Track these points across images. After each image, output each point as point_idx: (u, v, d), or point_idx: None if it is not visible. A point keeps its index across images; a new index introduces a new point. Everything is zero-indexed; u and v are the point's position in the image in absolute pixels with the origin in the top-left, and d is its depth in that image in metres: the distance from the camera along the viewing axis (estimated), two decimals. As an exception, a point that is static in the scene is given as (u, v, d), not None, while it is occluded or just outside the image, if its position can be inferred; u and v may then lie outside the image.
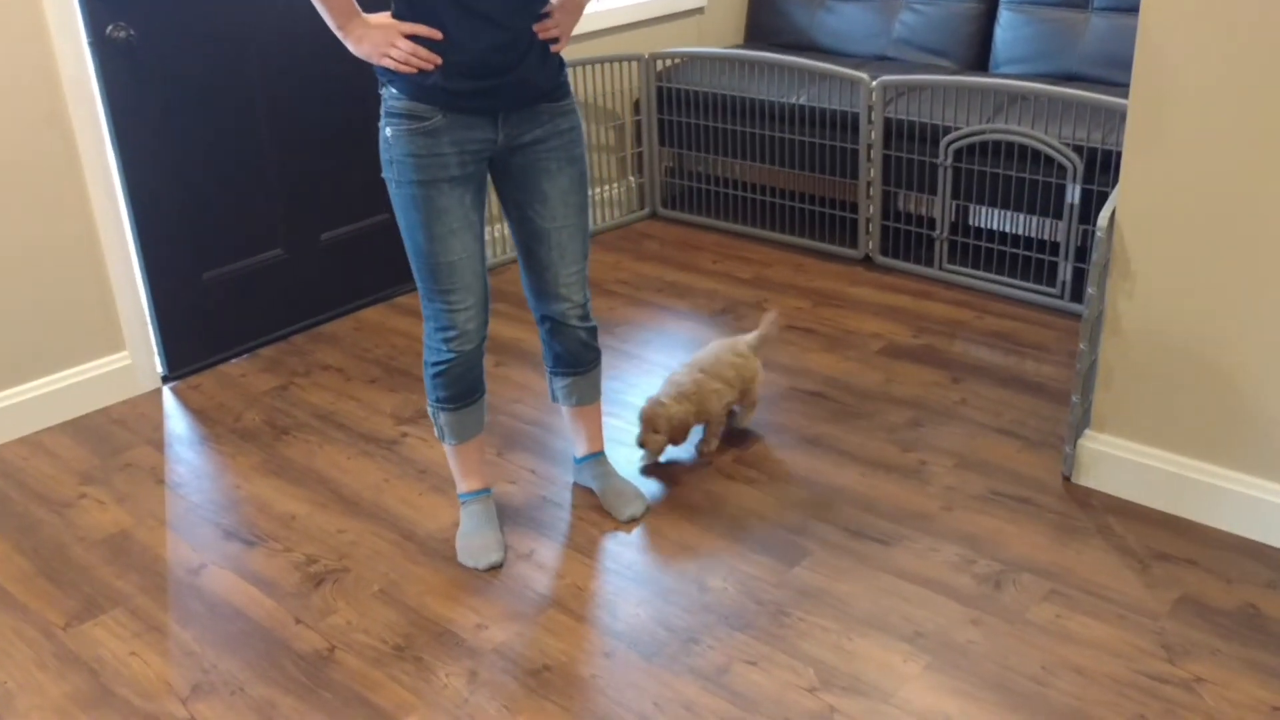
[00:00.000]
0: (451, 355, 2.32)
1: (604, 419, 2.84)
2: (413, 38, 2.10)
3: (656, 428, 2.72)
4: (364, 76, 3.60)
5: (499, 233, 4.16)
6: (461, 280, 2.26)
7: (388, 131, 2.19)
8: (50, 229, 3.03)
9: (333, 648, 2.24)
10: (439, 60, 2.10)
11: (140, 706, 2.11)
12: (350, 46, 2.16)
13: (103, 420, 3.16)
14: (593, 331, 2.50)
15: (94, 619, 2.35)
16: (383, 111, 2.20)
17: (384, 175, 2.23)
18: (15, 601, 2.42)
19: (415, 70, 2.11)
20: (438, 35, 2.10)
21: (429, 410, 2.46)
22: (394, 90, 2.17)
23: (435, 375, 2.37)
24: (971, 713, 2.01)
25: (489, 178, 2.32)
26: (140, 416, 3.17)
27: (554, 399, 2.63)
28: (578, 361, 2.52)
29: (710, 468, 2.79)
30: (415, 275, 2.29)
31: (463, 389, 2.39)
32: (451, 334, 2.30)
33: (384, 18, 2.13)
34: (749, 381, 2.87)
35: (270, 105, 3.41)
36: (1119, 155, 3.27)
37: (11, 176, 2.93)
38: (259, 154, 3.43)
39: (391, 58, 2.10)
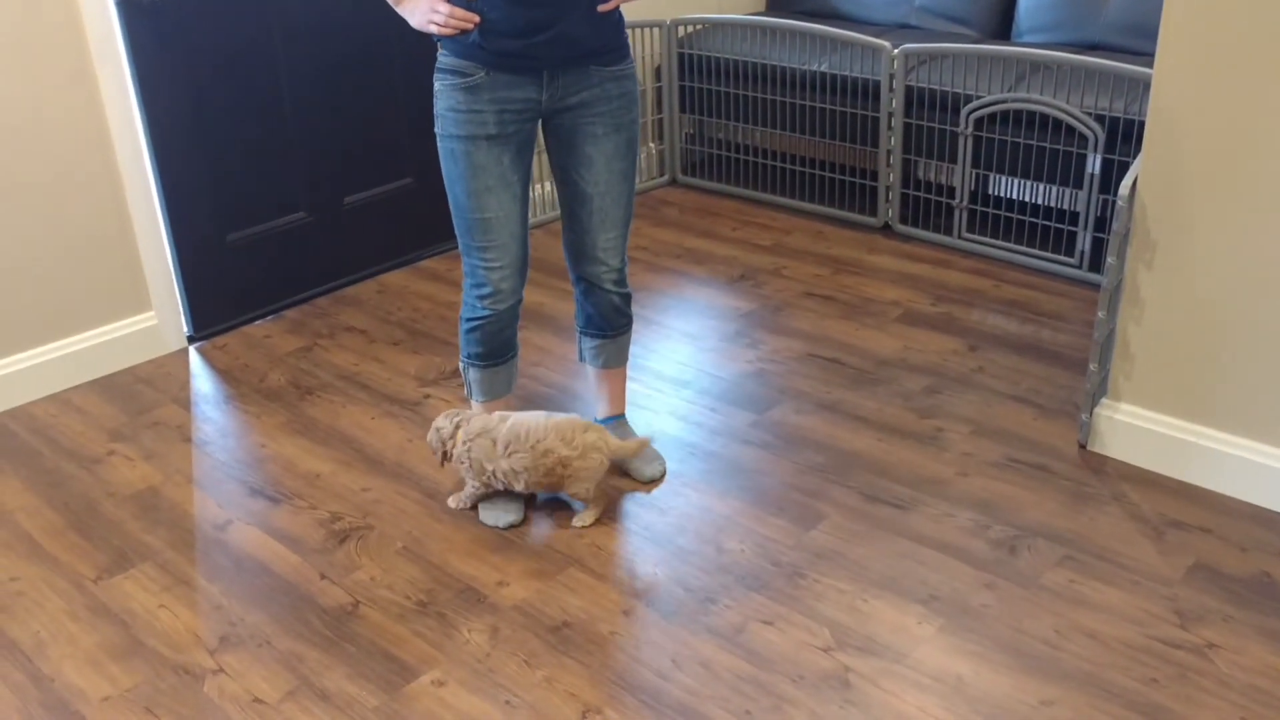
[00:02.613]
0: (486, 313, 2.37)
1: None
2: (455, 1, 2.16)
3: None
4: (386, 41, 3.62)
5: (537, 194, 4.18)
6: (497, 239, 2.30)
7: (436, 86, 2.27)
8: (78, 189, 3.06)
9: (357, 603, 2.29)
10: (477, 19, 2.15)
11: (170, 657, 2.16)
12: (407, 20, 2.25)
13: (130, 379, 3.21)
14: (626, 298, 2.53)
15: (124, 572, 2.40)
16: (435, 68, 2.27)
17: (435, 130, 2.31)
18: (47, 554, 2.47)
19: (457, 31, 2.17)
20: None
21: (460, 365, 2.51)
22: (443, 49, 2.24)
23: (468, 331, 2.42)
24: (984, 674, 2.04)
25: (538, 139, 2.35)
26: (166, 376, 3.22)
27: (581, 359, 2.67)
28: (609, 325, 2.56)
29: (728, 433, 2.82)
30: (455, 229, 2.35)
31: (494, 347, 2.43)
32: (485, 291, 2.34)
33: None
34: (564, 477, 2.41)
35: (295, 69, 3.43)
36: (1140, 125, 3.27)
37: (39, 136, 2.96)
38: (283, 117, 3.45)
39: (435, 23, 2.17)
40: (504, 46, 2.17)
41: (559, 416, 2.43)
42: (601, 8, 2.20)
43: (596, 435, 2.43)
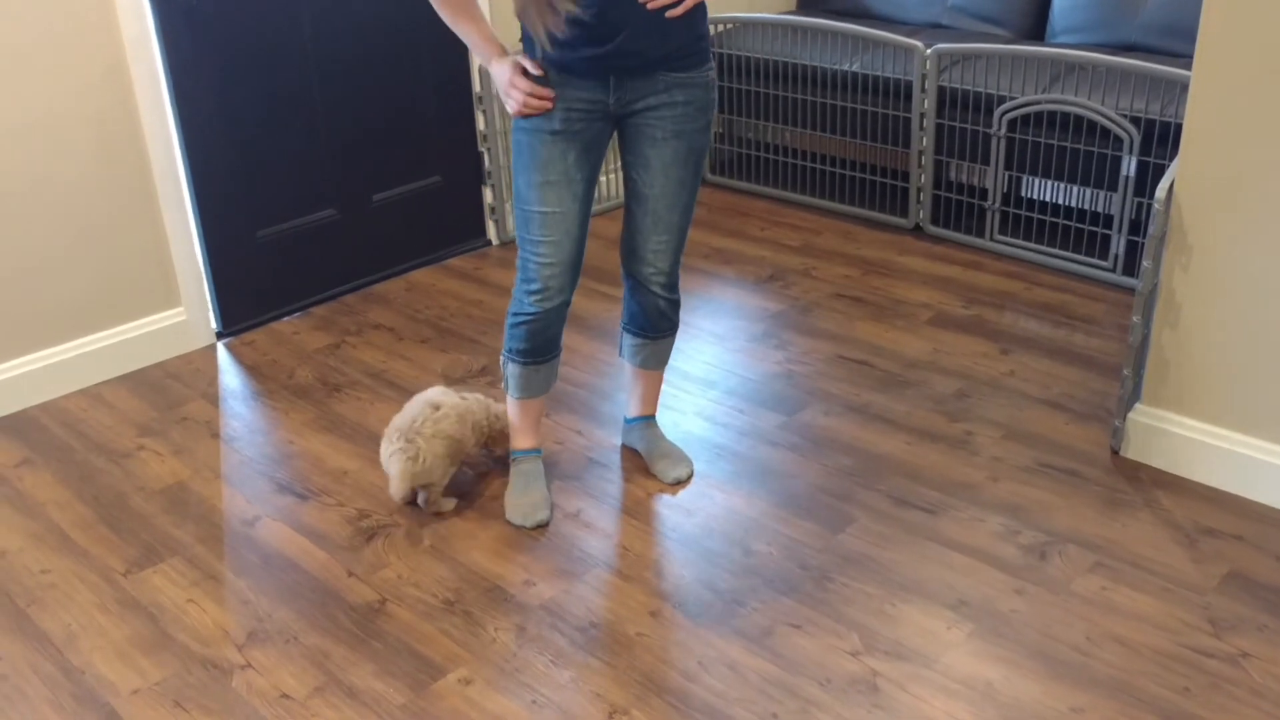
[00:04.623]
0: (534, 310, 2.35)
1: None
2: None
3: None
4: (417, 39, 3.62)
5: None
6: (551, 235, 2.29)
7: None
8: (110, 186, 3.08)
9: (384, 600, 2.29)
10: (552, 96, 2.20)
11: (198, 651, 2.17)
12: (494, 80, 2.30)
13: (159, 374, 3.22)
14: (674, 304, 2.51)
15: (153, 566, 2.41)
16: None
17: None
18: (77, 547, 2.48)
19: (536, 112, 2.21)
20: (539, 72, 2.20)
21: (501, 359, 2.50)
22: (524, 48, 2.26)
23: (513, 326, 2.41)
24: (1014, 681, 2.02)
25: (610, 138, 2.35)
26: (195, 371, 3.23)
27: (620, 354, 2.66)
28: (652, 326, 2.54)
29: (756, 435, 2.81)
30: (515, 221, 2.36)
31: (537, 345, 2.42)
32: (534, 287, 2.33)
33: (506, 62, 2.24)
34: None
35: (325, 66, 3.44)
36: (1177, 127, 3.24)
37: (72, 132, 2.98)
38: (313, 115, 3.46)
39: (514, 100, 2.22)
40: (566, 57, 2.18)
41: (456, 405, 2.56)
42: (670, 14, 2.13)
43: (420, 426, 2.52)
